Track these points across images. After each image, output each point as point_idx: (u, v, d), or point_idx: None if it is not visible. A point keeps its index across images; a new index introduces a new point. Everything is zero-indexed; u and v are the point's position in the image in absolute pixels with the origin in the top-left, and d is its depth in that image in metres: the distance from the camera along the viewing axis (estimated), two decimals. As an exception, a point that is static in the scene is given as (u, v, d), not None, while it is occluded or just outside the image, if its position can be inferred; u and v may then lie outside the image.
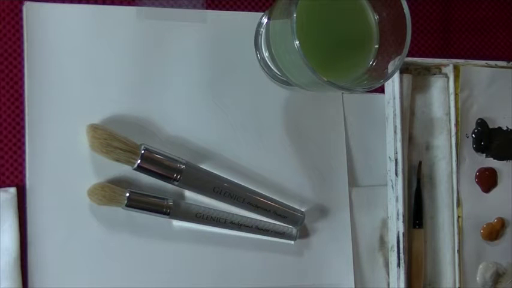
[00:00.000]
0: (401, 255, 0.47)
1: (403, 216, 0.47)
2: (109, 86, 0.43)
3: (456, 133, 0.50)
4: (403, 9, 0.38)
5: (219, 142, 0.45)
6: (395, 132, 0.48)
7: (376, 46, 0.41)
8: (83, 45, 0.42)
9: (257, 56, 0.46)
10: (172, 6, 0.45)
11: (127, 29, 0.43)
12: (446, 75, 0.51)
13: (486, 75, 0.51)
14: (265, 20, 0.45)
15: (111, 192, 0.40)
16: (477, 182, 0.51)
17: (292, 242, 0.46)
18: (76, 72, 0.42)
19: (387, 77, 0.38)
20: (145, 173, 0.41)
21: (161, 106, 0.44)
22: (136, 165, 0.40)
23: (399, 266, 0.47)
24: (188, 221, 0.43)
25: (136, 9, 0.44)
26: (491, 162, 0.51)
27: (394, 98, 0.48)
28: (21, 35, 0.41)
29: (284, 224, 0.46)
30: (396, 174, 0.48)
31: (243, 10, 0.47)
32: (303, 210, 0.47)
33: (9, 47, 0.41)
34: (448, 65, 0.50)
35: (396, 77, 0.48)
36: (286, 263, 0.46)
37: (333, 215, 0.48)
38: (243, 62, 0.46)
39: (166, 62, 0.44)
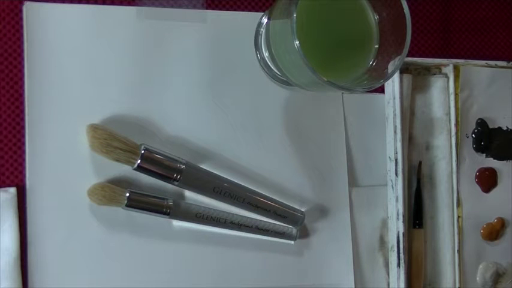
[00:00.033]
0: (401, 255, 0.47)
1: (403, 216, 0.47)
2: (109, 86, 0.43)
3: (456, 133, 0.50)
4: (403, 9, 0.38)
5: (219, 142, 0.45)
6: (395, 132, 0.48)
7: (376, 46, 0.41)
8: (83, 45, 0.42)
9: (257, 56, 0.46)
10: (172, 6, 0.45)
11: (127, 29, 0.43)
12: (446, 75, 0.51)
13: (486, 75, 0.51)
14: (265, 20, 0.45)
15: (111, 192, 0.40)
16: (477, 182, 0.51)
17: (292, 242, 0.46)
18: (76, 72, 0.42)
19: (387, 77, 0.38)
20: (145, 173, 0.41)
21: (161, 106, 0.44)
22: (136, 165, 0.40)
23: (399, 266, 0.47)
24: (188, 221, 0.43)
25: (136, 9, 0.44)
26: (491, 162, 0.51)
27: (394, 98, 0.48)
28: (21, 35, 0.41)
29: (284, 224, 0.46)
30: (396, 174, 0.48)
31: (243, 10, 0.47)
32: (303, 210, 0.47)
33: (9, 47, 0.41)
34: (448, 65, 0.50)
35: (396, 77, 0.48)
36: (286, 263, 0.46)
37: (333, 215, 0.48)
38: (243, 62, 0.46)
39: (166, 62, 0.44)
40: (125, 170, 0.42)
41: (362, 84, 0.39)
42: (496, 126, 0.52)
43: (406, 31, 0.38)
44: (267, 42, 0.42)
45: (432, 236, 0.50)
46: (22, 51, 0.41)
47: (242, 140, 0.46)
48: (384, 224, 0.49)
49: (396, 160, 0.48)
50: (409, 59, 0.49)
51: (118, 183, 0.42)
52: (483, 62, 0.52)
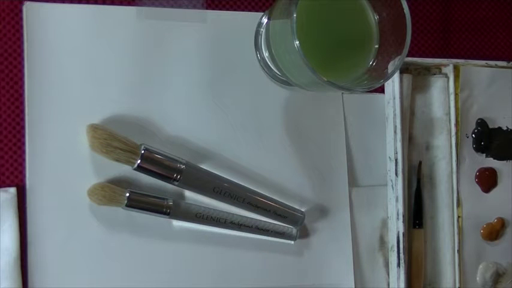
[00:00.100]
0: (401, 255, 0.47)
1: (403, 216, 0.47)
2: (109, 86, 0.43)
3: (456, 133, 0.50)
4: (403, 9, 0.38)
5: (219, 142, 0.45)
6: (395, 132, 0.48)
7: (376, 46, 0.41)
8: (83, 45, 0.42)
9: (257, 56, 0.46)
10: (172, 6, 0.45)
11: (127, 29, 0.43)
12: (446, 75, 0.51)
13: (486, 75, 0.51)
14: (265, 20, 0.45)
15: (111, 192, 0.40)
16: (477, 182, 0.51)
17: (292, 242, 0.46)
18: (76, 72, 0.42)
19: (387, 77, 0.38)
20: (145, 173, 0.41)
21: (161, 106, 0.44)
22: (136, 165, 0.40)
23: (399, 266, 0.47)
24: (188, 221, 0.43)
25: (136, 9, 0.44)
26: (491, 162, 0.51)
27: (394, 98, 0.48)
28: (21, 35, 0.41)
29: (284, 224, 0.46)
30: (396, 174, 0.48)
31: (243, 10, 0.47)
32: (303, 210, 0.47)
33: (9, 47, 0.41)
34: (448, 65, 0.50)
35: (396, 77, 0.48)
36: (286, 263, 0.46)
37: (333, 215, 0.48)
38: (243, 62, 0.46)
39: (166, 62, 0.44)
40: (124, 170, 0.42)
41: (362, 84, 0.39)
42: (496, 126, 0.52)
43: (406, 31, 0.38)
44: (267, 42, 0.42)
45: (432, 236, 0.50)
46: (22, 51, 0.41)
47: (242, 140, 0.46)
48: (384, 224, 0.49)
49: (396, 160, 0.48)
50: (409, 59, 0.49)
51: (118, 183, 0.42)
52: (483, 62, 0.52)
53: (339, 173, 0.48)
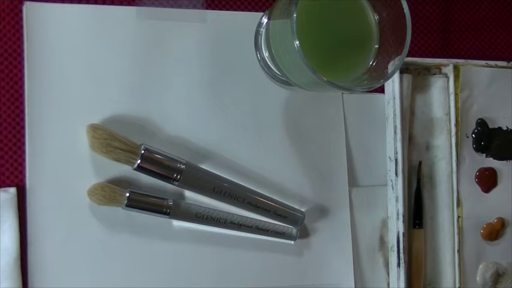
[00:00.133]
0: (401, 255, 0.47)
1: (403, 216, 0.47)
2: (109, 86, 0.43)
3: (456, 133, 0.50)
4: (403, 9, 0.38)
5: (219, 142, 0.45)
6: (395, 132, 0.48)
7: (376, 46, 0.41)
8: (83, 45, 0.42)
9: (257, 56, 0.46)
10: (172, 6, 0.45)
11: (127, 29, 0.43)
12: (446, 75, 0.51)
13: (486, 75, 0.51)
14: (265, 20, 0.45)
15: (111, 192, 0.40)
16: (477, 182, 0.51)
17: (292, 242, 0.46)
18: (76, 72, 0.42)
19: (387, 77, 0.38)
20: (145, 173, 0.41)
21: (161, 106, 0.44)
22: (136, 165, 0.40)
23: (399, 266, 0.47)
24: (188, 221, 0.43)
25: (136, 9, 0.44)
26: (491, 162, 0.51)
27: (394, 98, 0.48)
28: (21, 35, 0.41)
29: (284, 224, 0.46)
30: (396, 174, 0.48)
31: (243, 10, 0.47)
32: (303, 210, 0.47)
33: (9, 47, 0.41)
34: (448, 65, 0.50)
35: (396, 77, 0.48)
36: (286, 263, 0.46)
37: (333, 215, 0.48)
38: (243, 62, 0.46)
39: (166, 62, 0.44)
40: (124, 170, 0.42)
41: (362, 84, 0.39)
42: (496, 126, 0.52)
43: (406, 31, 0.38)
44: (267, 42, 0.42)
45: (432, 236, 0.50)
46: (22, 51, 0.41)
47: (242, 140, 0.46)
48: (384, 224, 0.49)
49: (396, 160, 0.48)
50: (409, 59, 0.49)
51: (118, 183, 0.42)
52: (483, 62, 0.52)
53: (339, 173, 0.48)
